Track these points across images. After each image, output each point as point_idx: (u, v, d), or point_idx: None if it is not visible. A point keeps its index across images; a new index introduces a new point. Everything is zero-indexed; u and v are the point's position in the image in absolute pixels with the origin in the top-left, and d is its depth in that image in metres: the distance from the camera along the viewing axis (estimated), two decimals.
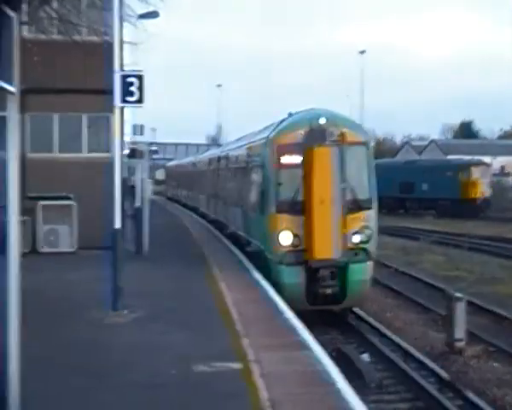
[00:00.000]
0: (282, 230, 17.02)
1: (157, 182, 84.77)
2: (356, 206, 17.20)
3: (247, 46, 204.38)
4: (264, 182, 18.14)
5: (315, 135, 16.90)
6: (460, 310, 15.52)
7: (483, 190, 56.51)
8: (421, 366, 14.44)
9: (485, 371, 14.30)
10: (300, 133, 17.19)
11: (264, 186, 18.08)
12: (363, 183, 17.67)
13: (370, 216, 17.42)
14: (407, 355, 15.19)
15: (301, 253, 16.87)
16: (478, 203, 56.20)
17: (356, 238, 17.12)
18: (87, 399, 8.85)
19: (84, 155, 24.18)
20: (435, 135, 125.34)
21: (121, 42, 16.66)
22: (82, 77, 22.82)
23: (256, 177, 20.03)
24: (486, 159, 71.54)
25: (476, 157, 66.84)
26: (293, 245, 17.00)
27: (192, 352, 10.91)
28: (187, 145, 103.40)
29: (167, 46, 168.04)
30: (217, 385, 9.24)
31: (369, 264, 17.45)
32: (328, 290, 16.94)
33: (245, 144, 23.52)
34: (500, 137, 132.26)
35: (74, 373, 9.75)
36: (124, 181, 21.79)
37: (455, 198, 56.56)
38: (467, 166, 58.09)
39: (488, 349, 15.62)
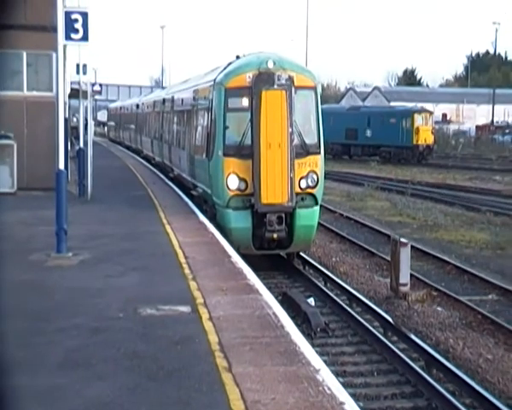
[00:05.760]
0: (230, 174, 16.84)
1: (99, 123, 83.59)
2: (304, 151, 17.07)
3: None
4: (212, 125, 17.86)
5: (263, 78, 16.62)
6: (405, 255, 15.63)
7: (425, 136, 56.96)
8: (367, 309, 14.56)
9: (429, 316, 14.48)
10: (248, 76, 16.88)
11: (211, 129, 17.81)
12: (311, 128, 17.55)
13: (318, 161, 17.33)
14: (352, 299, 15.29)
15: (248, 197, 16.74)
16: (420, 150, 56.73)
17: (303, 183, 17.05)
18: (25, 342, 8.47)
19: (25, 93, 23.50)
20: (379, 82, 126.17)
21: None
22: (22, 13, 22.04)
23: (203, 120, 19.72)
24: (428, 106, 72.23)
25: (419, 104, 67.37)
26: (240, 189, 16.85)
27: (139, 295, 10.72)
28: (129, 87, 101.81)
29: None
30: (165, 329, 9.07)
31: (316, 209, 17.43)
32: (275, 235, 16.88)
33: (191, 87, 23.09)
34: (441, 86, 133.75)
35: (10, 317, 9.14)
36: (65, 122, 21.27)
37: (398, 145, 57.00)
38: (410, 114, 58.38)
39: (431, 294, 15.82)
